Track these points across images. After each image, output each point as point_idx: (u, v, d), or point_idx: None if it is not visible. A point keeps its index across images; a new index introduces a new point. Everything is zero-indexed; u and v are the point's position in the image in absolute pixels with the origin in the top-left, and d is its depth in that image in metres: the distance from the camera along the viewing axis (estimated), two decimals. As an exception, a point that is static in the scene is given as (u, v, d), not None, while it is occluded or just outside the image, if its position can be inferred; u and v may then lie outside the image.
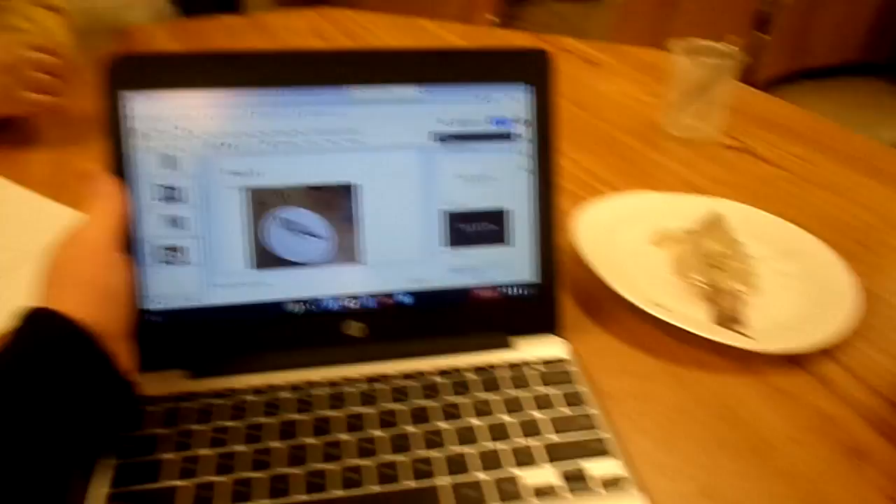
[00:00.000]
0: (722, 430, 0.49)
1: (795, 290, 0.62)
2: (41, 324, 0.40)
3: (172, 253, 0.48)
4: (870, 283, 0.65)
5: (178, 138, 0.48)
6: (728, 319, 0.57)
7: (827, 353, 0.56)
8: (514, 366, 0.50)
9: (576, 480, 0.42)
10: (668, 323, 0.56)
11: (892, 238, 0.74)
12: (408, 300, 0.52)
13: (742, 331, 0.56)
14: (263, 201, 0.49)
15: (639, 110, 0.99)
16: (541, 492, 0.41)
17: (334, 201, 0.50)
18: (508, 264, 0.53)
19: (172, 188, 0.48)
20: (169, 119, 0.48)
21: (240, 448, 0.43)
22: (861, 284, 0.62)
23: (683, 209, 0.72)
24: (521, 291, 0.54)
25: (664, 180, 0.81)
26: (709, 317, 0.59)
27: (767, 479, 0.45)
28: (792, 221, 0.71)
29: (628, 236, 0.68)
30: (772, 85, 3.60)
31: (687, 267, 0.64)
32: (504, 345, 0.52)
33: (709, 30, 1.09)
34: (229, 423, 0.44)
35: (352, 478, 0.42)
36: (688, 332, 0.55)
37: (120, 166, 0.47)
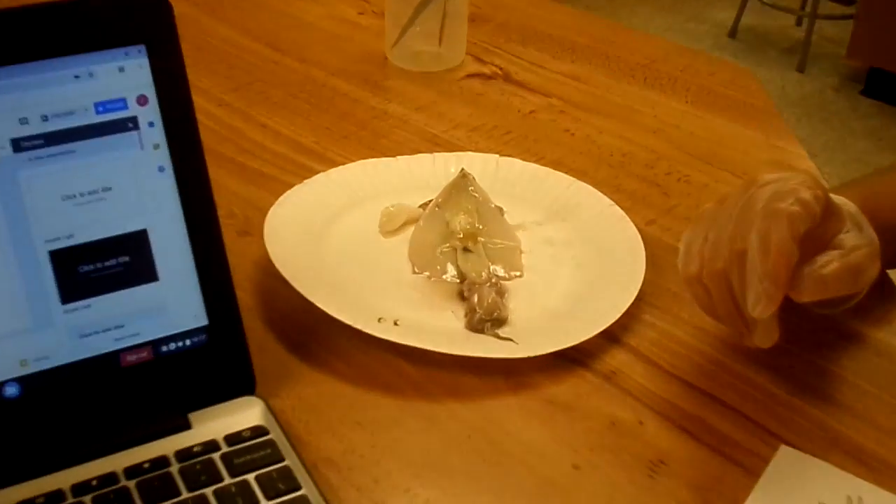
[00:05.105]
0: (489, 476, 0.52)
1: (568, 262, 0.67)
2: None
3: None
4: (660, 232, 0.72)
5: None
6: (484, 321, 0.60)
7: (609, 337, 0.61)
8: (190, 454, 0.50)
9: None
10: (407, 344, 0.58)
11: (687, 167, 0.82)
12: (14, 392, 0.49)
13: (501, 333, 0.60)
14: None
15: (358, 41, 1.01)
16: None
17: None
18: (163, 308, 0.52)
19: None
20: None
21: None
22: (646, 237, 0.68)
23: (422, 175, 0.74)
24: (187, 343, 0.53)
25: (395, 137, 0.83)
26: (463, 320, 0.62)
27: (548, 528, 0.49)
28: (562, 166, 0.76)
29: (349, 228, 0.70)
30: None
31: (428, 258, 0.66)
32: (180, 426, 0.52)
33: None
34: None
35: None
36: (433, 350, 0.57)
37: None
